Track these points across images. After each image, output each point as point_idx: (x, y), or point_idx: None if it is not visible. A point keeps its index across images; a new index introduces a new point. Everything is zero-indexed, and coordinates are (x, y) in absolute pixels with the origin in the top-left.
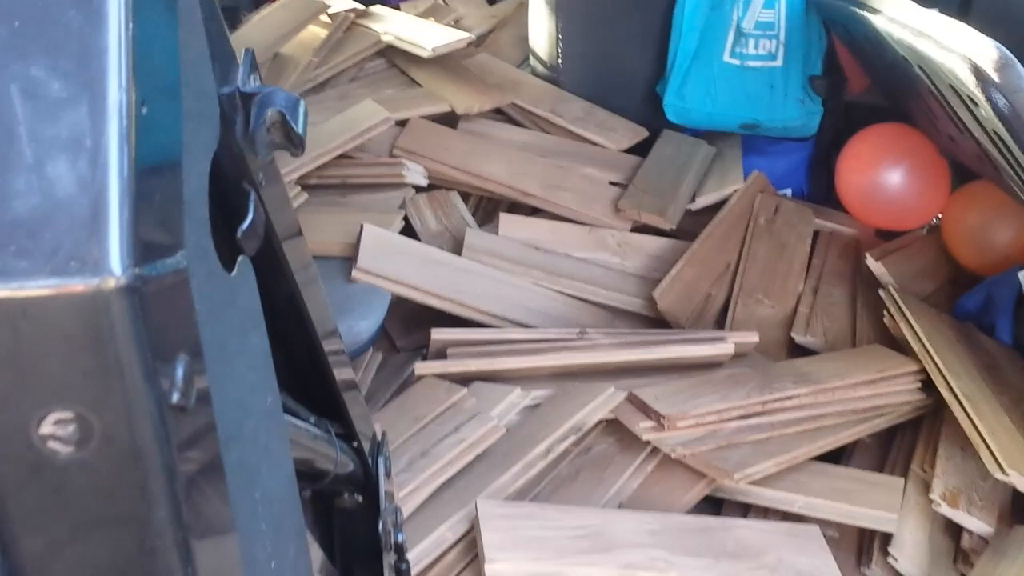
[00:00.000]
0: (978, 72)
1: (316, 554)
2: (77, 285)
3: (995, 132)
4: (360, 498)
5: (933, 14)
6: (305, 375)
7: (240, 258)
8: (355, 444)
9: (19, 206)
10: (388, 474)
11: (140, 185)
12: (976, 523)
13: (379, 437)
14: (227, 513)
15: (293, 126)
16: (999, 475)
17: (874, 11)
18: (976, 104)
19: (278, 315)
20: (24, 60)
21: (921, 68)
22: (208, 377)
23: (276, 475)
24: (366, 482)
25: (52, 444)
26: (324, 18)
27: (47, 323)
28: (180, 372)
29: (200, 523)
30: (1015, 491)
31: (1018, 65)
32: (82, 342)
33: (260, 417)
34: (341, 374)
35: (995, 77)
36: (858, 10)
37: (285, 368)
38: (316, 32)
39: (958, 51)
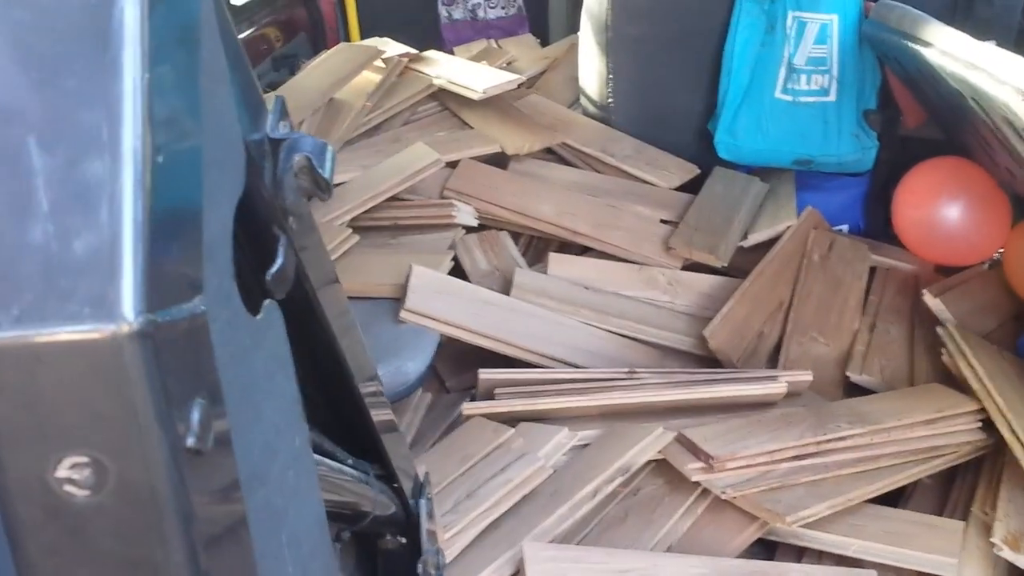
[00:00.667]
0: None
1: None
2: (91, 331)
3: None
4: (403, 539)
5: (986, 46)
6: (344, 417)
7: (267, 302)
8: (395, 485)
9: (35, 254)
10: (431, 515)
11: (155, 232)
12: None
13: (421, 479)
14: (249, 556)
15: (320, 171)
16: None
17: (926, 44)
18: None
19: (314, 359)
20: (42, 111)
21: (975, 101)
22: (229, 420)
23: (305, 517)
24: (408, 523)
25: (68, 488)
26: (378, 63)
27: (62, 368)
28: (196, 415)
29: (220, 566)
30: None
31: None
32: (96, 387)
33: (288, 459)
34: (380, 416)
35: None
36: (911, 44)
37: (323, 410)
38: (370, 77)
39: (1012, 83)
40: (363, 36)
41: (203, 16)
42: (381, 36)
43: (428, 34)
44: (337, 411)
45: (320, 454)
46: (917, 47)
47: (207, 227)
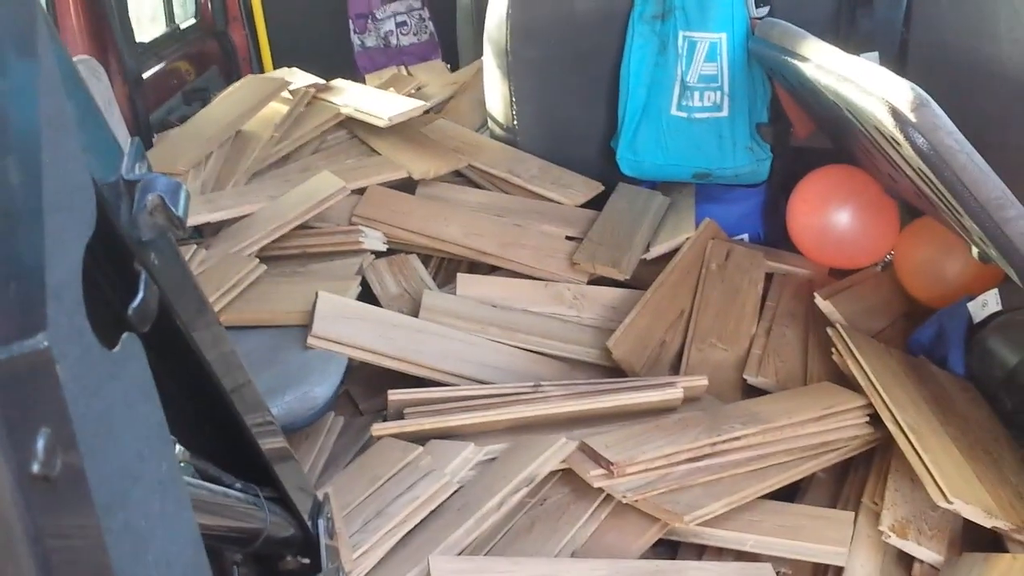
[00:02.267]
0: (896, 114)
1: None
2: None
3: (920, 170)
4: (305, 560)
5: (856, 59)
6: (231, 443)
7: (124, 335)
8: (290, 506)
9: None
10: (331, 535)
11: None
12: (926, 552)
13: (320, 499)
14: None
15: (173, 209)
16: (944, 504)
17: (804, 59)
18: (899, 144)
19: (196, 389)
20: None
21: (850, 111)
22: (82, 448)
23: (175, 538)
24: (308, 544)
25: None
26: (286, 94)
27: None
28: (41, 443)
29: None
30: (966, 520)
31: (932, 104)
32: None
33: (152, 483)
34: (269, 443)
35: (911, 117)
36: (791, 59)
37: (210, 437)
38: (278, 108)
39: (878, 94)
40: (276, 66)
41: (44, 76)
42: (294, 66)
43: (342, 62)
44: (224, 437)
45: (205, 479)
46: (796, 62)
47: (52, 269)
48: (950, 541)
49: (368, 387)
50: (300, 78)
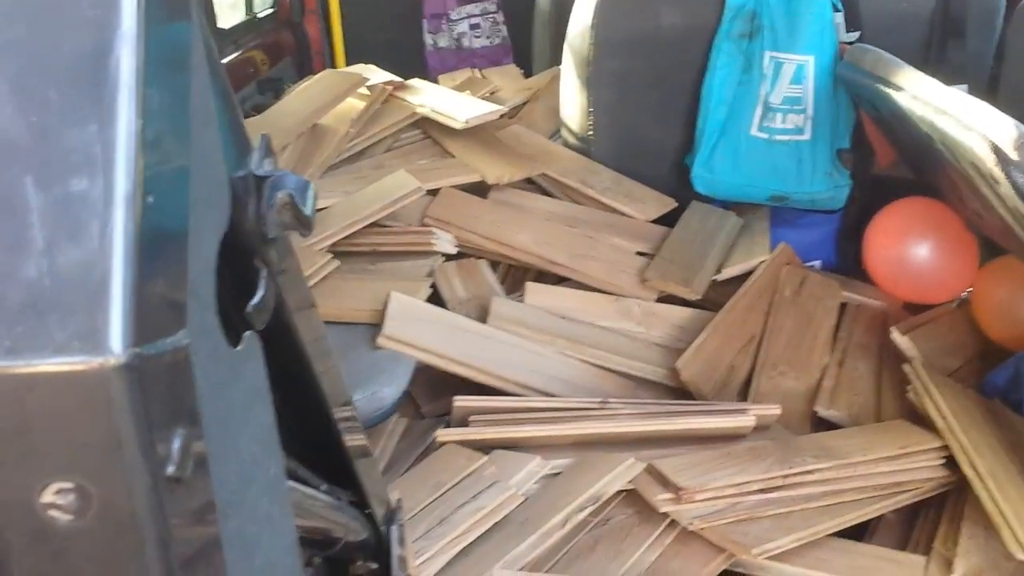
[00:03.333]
0: (998, 151)
1: None
2: (79, 363)
3: (1016, 209)
4: (374, 566)
5: (955, 92)
6: (317, 443)
7: (246, 334)
8: (367, 511)
9: (29, 288)
10: (402, 542)
11: (143, 269)
12: None
13: (394, 505)
14: None
15: (301, 208)
16: (1021, 556)
17: (898, 88)
18: (997, 182)
19: (289, 386)
20: (39, 153)
21: (944, 145)
22: (207, 449)
23: (278, 543)
24: (379, 549)
25: (53, 512)
26: (363, 90)
27: (51, 398)
28: (177, 445)
29: None
30: None
31: None
32: (83, 417)
33: (262, 487)
34: (353, 442)
35: (1015, 156)
36: (883, 87)
37: (296, 436)
38: (354, 104)
39: (978, 129)
40: (348, 62)
41: (194, 59)
42: (366, 62)
43: (413, 61)
44: (311, 437)
45: (294, 480)
46: (889, 90)
47: (192, 263)
48: None
49: (431, 391)
50: (377, 75)
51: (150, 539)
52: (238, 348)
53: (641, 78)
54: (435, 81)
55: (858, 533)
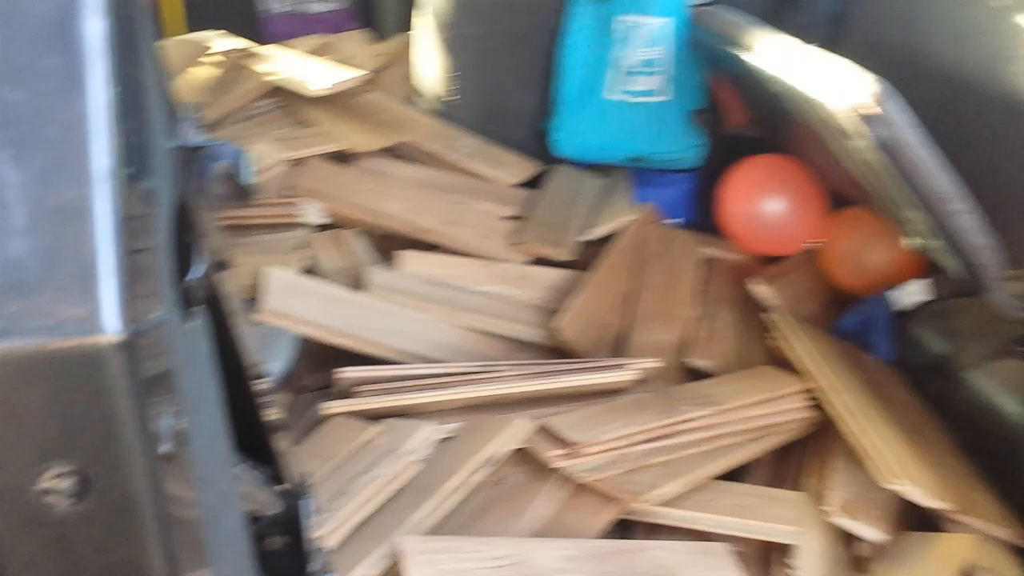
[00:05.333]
0: (859, 105)
1: None
2: (75, 343)
3: (871, 161)
4: (287, 539)
5: (808, 49)
6: (238, 418)
7: (195, 309)
8: (281, 485)
9: (14, 268)
10: (313, 515)
11: (128, 244)
12: (870, 531)
13: (305, 479)
14: (205, 553)
15: (240, 178)
16: (887, 484)
17: (750, 49)
18: (854, 135)
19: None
20: (11, 122)
21: (796, 102)
22: (187, 425)
23: (234, 517)
24: (291, 523)
25: (50, 499)
26: (211, 58)
27: (46, 380)
28: (167, 422)
29: (187, 565)
30: (904, 499)
31: (897, 98)
32: (79, 397)
33: (220, 462)
34: (270, 415)
35: (876, 109)
36: (734, 48)
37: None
38: (203, 73)
39: (839, 85)
40: (191, 30)
41: (143, 27)
42: (203, 29)
43: (249, 28)
44: (233, 412)
45: None
46: (741, 51)
47: (159, 238)
48: (891, 521)
49: (311, 363)
50: (225, 42)
51: (149, 518)
52: (192, 324)
53: (501, 42)
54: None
55: (736, 475)
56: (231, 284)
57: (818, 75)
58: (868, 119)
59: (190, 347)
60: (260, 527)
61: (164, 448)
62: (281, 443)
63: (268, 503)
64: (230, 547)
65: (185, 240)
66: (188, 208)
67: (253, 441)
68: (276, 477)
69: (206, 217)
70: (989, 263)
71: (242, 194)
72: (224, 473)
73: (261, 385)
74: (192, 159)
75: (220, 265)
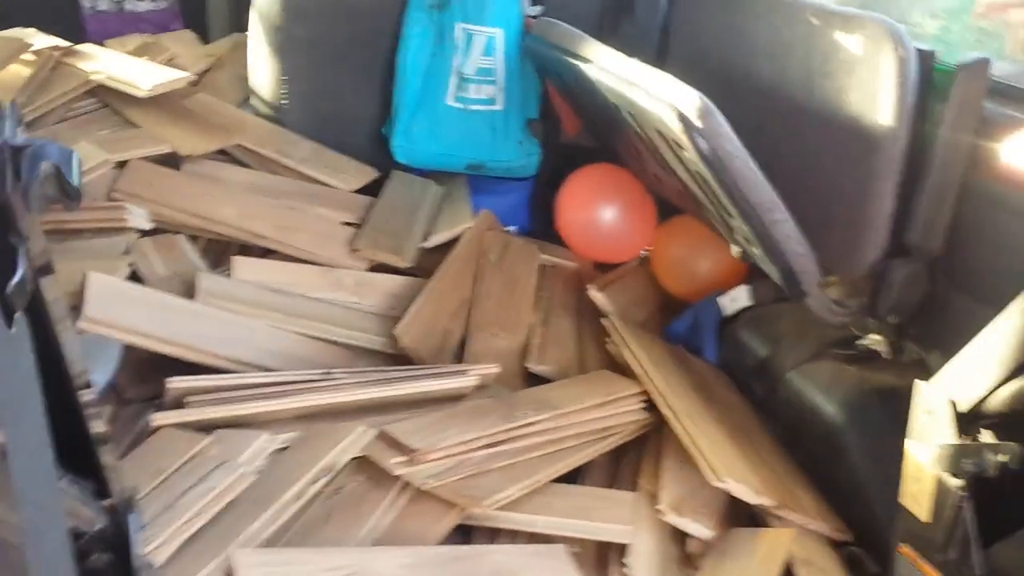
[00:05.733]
0: (683, 119)
1: None
2: None
3: (698, 172)
4: (112, 556)
5: (639, 64)
6: (62, 429)
7: (17, 315)
8: (106, 500)
9: None
10: (139, 530)
11: None
12: (699, 528)
13: (131, 493)
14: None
15: (68, 179)
16: (716, 483)
17: (584, 60)
18: (681, 147)
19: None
20: None
21: (630, 114)
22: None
23: (57, 534)
24: (116, 539)
25: None
26: (28, 56)
27: None
28: None
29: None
30: (731, 497)
31: (717, 112)
32: None
33: (42, 477)
34: (96, 427)
35: (698, 123)
36: (568, 58)
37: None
38: (19, 71)
39: (665, 99)
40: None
41: None
42: (19, 26)
43: (69, 26)
44: (55, 423)
45: None
46: (575, 62)
47: None
48: (719, 518)
49: (135, 373)
50: (41, 39)
51: None
52: (13, 331)
53: (334, 46)
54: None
55: (572, 478)
56: (54, 289)
57: (650, 89)
58: (691, 132)
59: (12, 356)
60: (84, 543)
61: None
62: (106, 456)
63: (92, 518)
64: (51, 566)
65: (7, 243)
66: (10, 209)
67: (76, 453)
68: (100, 491)
69: (30, 219)
70: (807, 269)
71: (70, 195)
72: (48, 488)
73: (86, 396)
74: (15, 159)
75: (44, 269)
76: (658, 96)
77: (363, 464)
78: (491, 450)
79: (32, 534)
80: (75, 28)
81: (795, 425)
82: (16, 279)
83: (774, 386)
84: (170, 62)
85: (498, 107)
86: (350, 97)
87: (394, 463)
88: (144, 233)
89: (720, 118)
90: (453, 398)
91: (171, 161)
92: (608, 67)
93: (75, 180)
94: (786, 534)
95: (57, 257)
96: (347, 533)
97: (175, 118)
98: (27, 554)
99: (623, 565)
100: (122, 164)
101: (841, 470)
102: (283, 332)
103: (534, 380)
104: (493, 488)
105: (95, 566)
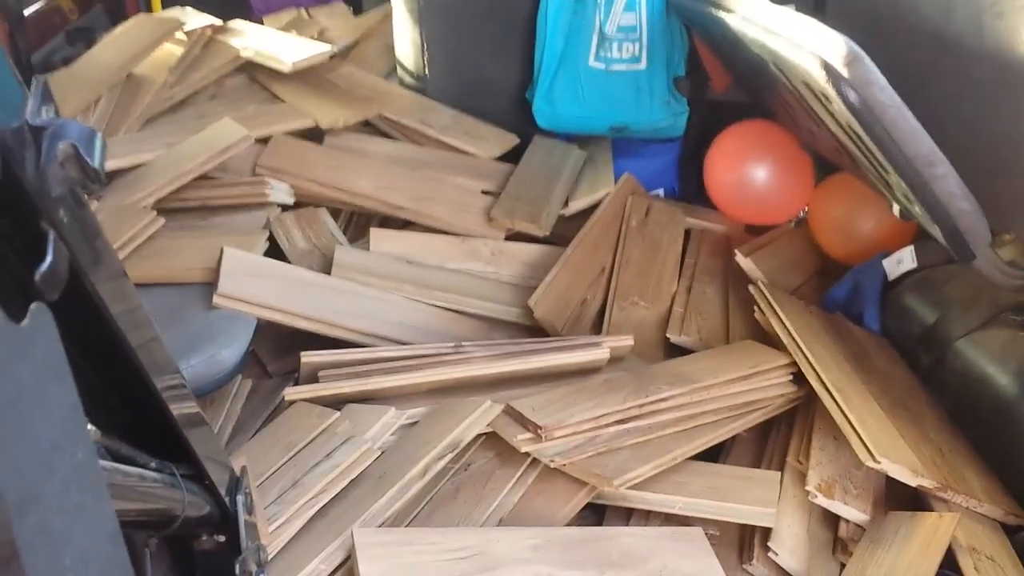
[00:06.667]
0: (828, 68)
1: None
2: None
3: (849, 126)
4: (221, 538)
5: (786, 12)
6: (143, 417)
7: (32, 306)
8: (207, 483)
9: None
10: (250, 510)
11: None
12: (852, 512)
13: (237, 473)
14: None
15: (87, 160)
16: (870, 463)
17: (729, 11)
18: (829, 99)
19: (102, 358)
20: None
21: (776, 66)
22: None
23: (94, 534)
24: (224, 520)
25: None
26: (180, 35)
27: None
28: None
29: None
30: (888, 477)
31: (866, 59)
32: None
33: (68, 474)
34: (182, 411)
35: (844, 72)
36: (714, 11)
37: (118, 412)
38: (172, 50)
39: (809, 48)
40: (165, 6)
41: None
42: (183, 6)
43: (235, 3)
44: (137, 410)
45: (117, 460)
46: (720, 14)
47: None
48: (874, 500)
49: (276, 348)
50: (195, 19)
51: None
52: (23, 324)
53: (474, 11)
54: (260, 23)
55: (714, 454)
56: (121, 284)
57: (795, 37)
58: (838, 82)
59: (18, 351)
60: (185, 528)
61: None
62: (196, 439)
63: (193, 503)
64: (84, 571)
65: (32, 230)
66: (35, 194)
67: (169, 439)
68: (199, 474)
69: (67, 207)
70: (974, 228)
71: (91, 176)
72: (78, 487)
73: (170, 381)
74: (36, 140)
75: (95, 257)
76: (802, 45)
77: (493, 440)
78: (622, 426)
79: (35, 541)
80: (240, 5)
81: (965, 398)
82: (45, 267)
83: (942, 356)
84: (320, 36)
85: (642, 66)
86: (491, 63)
87: (520, 440)
88: (286, 208)
89: (870, 64)
90: (587, 371)
91: (316, 135)
92: (751, 16)
93: (96, 161)
94: (949, 518)
95: (201, 233)
96: (474, 511)
97: (319, 92)
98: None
99: (767, 550)
100: (267, 140)
101: (1016, 447)
102: (417, 304)
103: (677, 352)
104: (624, 466)
105: (205, 548)
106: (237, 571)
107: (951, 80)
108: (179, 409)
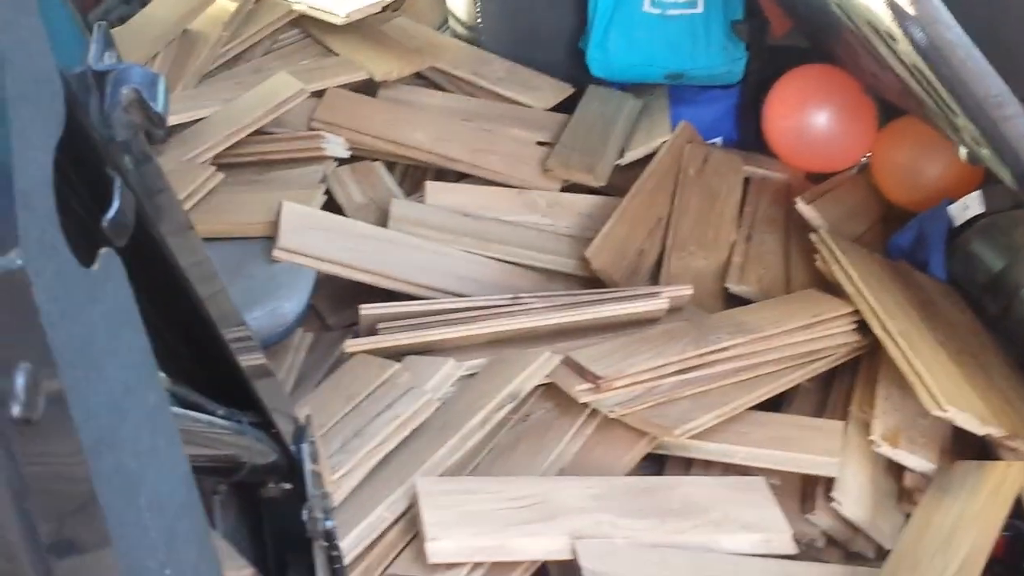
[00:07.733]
0: (893, 6)
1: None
2: None
3: (915, 67)
4: (287, 486)
5: None
6: (211, 366)
7: (102, 251)
8: (274, 431)
9: None
10: (315, 459)
11: None
12: (917, 461)
13: (302, 421)
14: (100, 527)
15: (151, 104)
16: (937, 412)
17: None
18: (895, 39)
19: (172, 307)
20: None
21: (839, 6)
22: (65, 383)
23: (167, 477)
24: (290, 469)
25: None
26: None
27: None
28: (21, 382)
29: (67, 540)
30: (955, 426)
31: None
32: None
33: (141, 418)
34: (249, 361)
35: (911, 10)
36: None
37: (187, 360)
38: (226, 5)
39: None
40: None
41: None
42: None
43: None
44: (204, 360)
45: (185, 407)
46: None
47: (20, 172)
48: (941, 449)
49: (335, 301)
50: None
51: (1, 492)
52: (94, 268)
53: None
54: None
55: (776, 404)
56: (189, 236)
57: None
58: (904, 21)
59: (90, 295)
60: (252, 475)
61: (17, 412)
62: (263, 389)
63: (256, 451)
64: (159, 513)
65: (99, 176)
66: (95, 140)
67: (237, 388)
68: (266, 423)
69: (133, 153)
70: None
71: (154, 121)
72: (151, 431)
73: (237, 332)
74: (99, 85)
75: (161, 208)
76: None
77: (551, 391)
78: (682, 376)
79: (113, 485)
80: None
81: None
82: (112, 213)
83: (1010, 303)
84: None
85: (698, 10)
86: (544, 11)
87: (579, 390)
88: (342, 161)
89: (936, 2)
90: (646, 322)
91: (370, 88)
92: None
93: (160, 106)
94: (1018, 467)
95: (258, 188)
96: (534, 461)
97: (372, 44)
98: (108, 503)
99: (831, 500)
100: (321, 93)
101: None
102: (474, 257)
103: (736, 302)
104: (684, 416)
105: (271, 495)
106: (304, 518)
107: (1020, 18)
108: (247, 360)
